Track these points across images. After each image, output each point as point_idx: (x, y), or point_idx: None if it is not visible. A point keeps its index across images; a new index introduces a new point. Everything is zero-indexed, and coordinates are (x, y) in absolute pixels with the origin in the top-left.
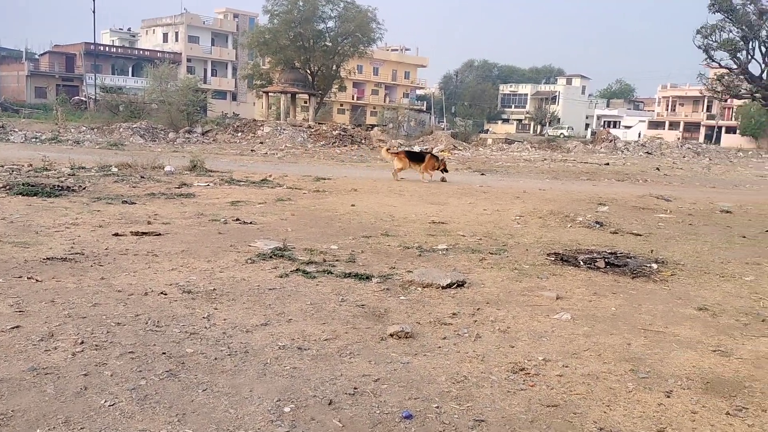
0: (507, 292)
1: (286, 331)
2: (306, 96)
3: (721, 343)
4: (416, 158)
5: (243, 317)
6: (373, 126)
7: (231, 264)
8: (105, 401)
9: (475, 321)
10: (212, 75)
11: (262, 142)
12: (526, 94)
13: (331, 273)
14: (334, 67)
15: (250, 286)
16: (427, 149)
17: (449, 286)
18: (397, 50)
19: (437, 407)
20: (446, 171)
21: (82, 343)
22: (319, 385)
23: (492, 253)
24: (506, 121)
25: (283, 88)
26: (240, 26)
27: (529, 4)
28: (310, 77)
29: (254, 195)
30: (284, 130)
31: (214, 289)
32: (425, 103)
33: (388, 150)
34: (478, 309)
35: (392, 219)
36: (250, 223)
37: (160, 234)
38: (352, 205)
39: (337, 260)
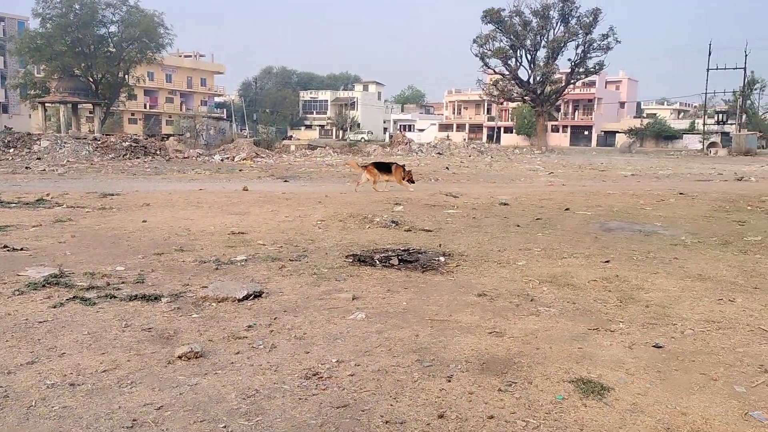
0: (305, 298)
1: (57, 367)
2: (90, 106)
3: (497, 325)
4: (384, 169)
5: (5, 357)
6: (169, 135)
7: None
8: None
9: (272, 331)
10: None
11: (39, 158)
12: (327, 100)
13: (115, 297)
14: (121, 74)
15: (16, 320)
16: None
17: (246, 298)
18: (190, 56)
19: (224, 427)
20: (412, 182)
21: None
22: (93, 422)
23: (292, 260)
24: (309, 127)
25: (62, 97)
26: (7, 30)
27: (323, 12)
28: (93, 85)
29: (27, 217)
30: (65, 143)
31: None
32: (225, 110)
33: (356, 164)
34: (275, 318)
35: (188, 233)
36: (21, 249)
37: None
38: (144, 221)
39: (122, 282)
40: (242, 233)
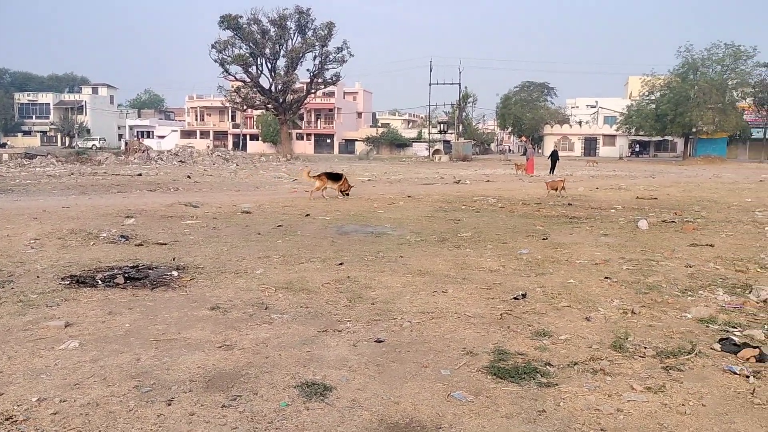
0: (5, 331)
1: None
2: None
3: (228, 338)
4: (334, 178)
5: None
6: None
7: None
8: None
9: None
10: None
11: None
12: (49, 104)
13: None
14: None
15: None
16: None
17: None
18: None
19: None
20: (347, 195)
21: None
22: None
23: None
24: (28, 133)
25: None
26: None
27: (38, 5)
28: None
29: None
30: None
31: None
32: None
33: (308, 173)
34: None
35: None
36: None
37: None
38: None
39: None
40: None
